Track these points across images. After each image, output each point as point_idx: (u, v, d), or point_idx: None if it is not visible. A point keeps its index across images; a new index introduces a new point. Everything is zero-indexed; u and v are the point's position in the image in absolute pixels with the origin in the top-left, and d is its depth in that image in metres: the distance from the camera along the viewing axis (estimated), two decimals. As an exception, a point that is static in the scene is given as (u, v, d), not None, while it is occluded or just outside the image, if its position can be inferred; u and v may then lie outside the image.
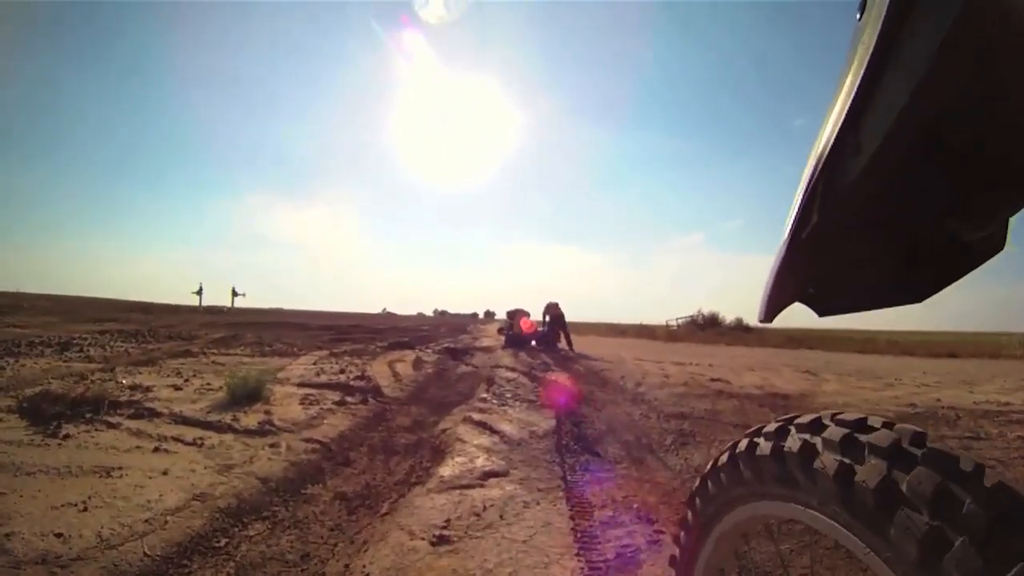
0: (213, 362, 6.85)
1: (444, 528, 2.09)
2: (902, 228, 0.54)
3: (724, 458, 0.81)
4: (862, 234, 0.56)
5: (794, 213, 0.57)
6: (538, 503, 2.45)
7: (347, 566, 1.87)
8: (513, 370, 7.71)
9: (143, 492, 2.42)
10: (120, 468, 2.70)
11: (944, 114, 0.44)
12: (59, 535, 2.02)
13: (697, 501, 0.87)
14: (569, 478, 2.91)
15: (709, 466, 0.85)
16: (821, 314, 0.66)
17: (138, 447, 3.07)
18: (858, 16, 0.50)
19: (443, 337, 16.20)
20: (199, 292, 36.54)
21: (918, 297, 0.59)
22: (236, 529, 2.21)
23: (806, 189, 0.55)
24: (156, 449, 3.03)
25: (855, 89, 0.48)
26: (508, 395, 5.47)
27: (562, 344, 13.57)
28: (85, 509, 2.23)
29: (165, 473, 2.66)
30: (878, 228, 0.54)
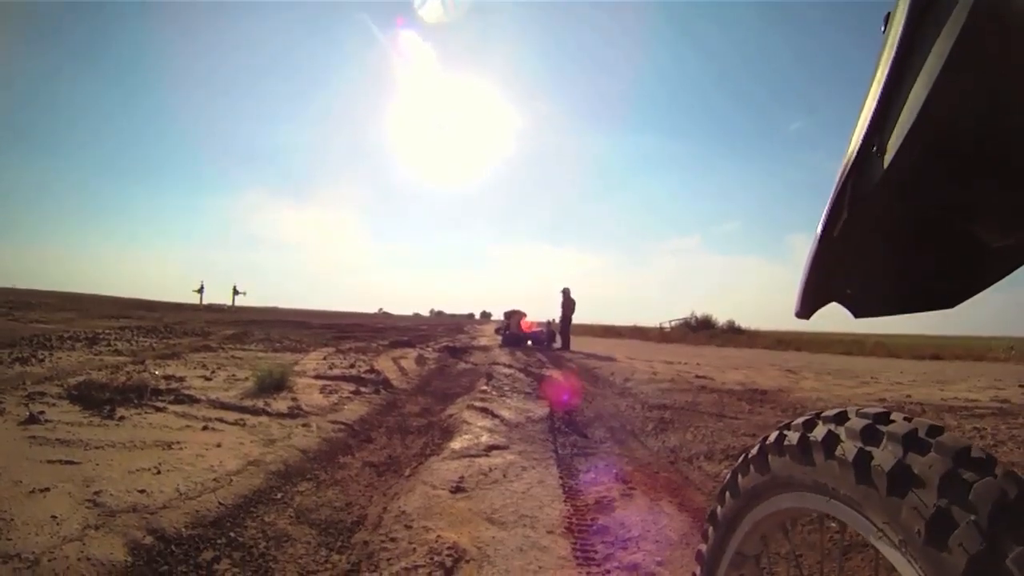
0: (232, 356, 7.31)
1: (459, 483, 2.59)
2: (927, 228, 0.56)
3: (754, 451, 0.81)
4: (890, 232, 0.59)
5: (826, 210, 0.60)
6: (534, 467, 2.96)
7: (385, 508, 2.37)
8: (510, 367, 8.23)
9: (204, 459, 2.89)
10: (178, 442, 3.16)
11: (956, 119, 0.46)
12: (142, 491, 2.45)
13: (727, 495, 0.87)
14: (560, 452, 3.41)
15: (740, 460, 0.85)
16: (856, 315, 0.68)
17: (188, 426, 3.54)
18: (882, 29, 0.53)
19: (441, 336, 16.71)
20: (200, 290, 36.69)
21: (950, 303, 0.61)
22: (288, 486, 2.70)
23: (837, 187, 0.58)
24: (205, 428, 3.51)
25: (878, 95, 0.51)
26: (506, 388, 5.97)
27: (557, 344, 14.07)
28: (159, 472, 2.68)
29: (219, 446, 3.13)
30: (904, 227, 0.57)
